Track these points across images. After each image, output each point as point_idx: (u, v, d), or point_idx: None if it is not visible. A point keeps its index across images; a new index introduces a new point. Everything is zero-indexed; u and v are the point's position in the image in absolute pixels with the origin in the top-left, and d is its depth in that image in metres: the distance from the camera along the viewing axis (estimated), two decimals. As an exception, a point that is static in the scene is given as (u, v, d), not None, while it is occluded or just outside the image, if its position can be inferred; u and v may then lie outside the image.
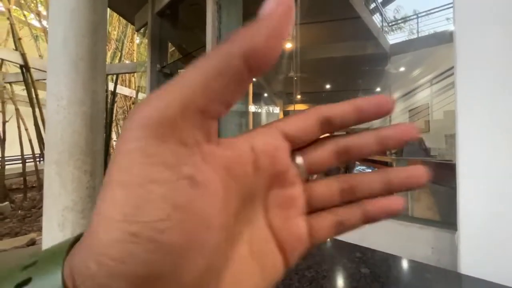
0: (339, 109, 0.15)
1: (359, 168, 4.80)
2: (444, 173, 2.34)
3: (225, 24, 1.62)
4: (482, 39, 0.60)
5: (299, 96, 9.48)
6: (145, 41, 4.22)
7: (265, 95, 9.08)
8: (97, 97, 0.99)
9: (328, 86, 8.89)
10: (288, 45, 4.86)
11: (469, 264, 0.61)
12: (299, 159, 0.16)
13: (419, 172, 0.16)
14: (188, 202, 0.11)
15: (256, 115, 9.30)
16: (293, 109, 9.20)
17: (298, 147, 0.16)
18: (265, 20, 0.12)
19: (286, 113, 10.14)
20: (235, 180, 0.13)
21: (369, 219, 0.16)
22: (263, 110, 9.91)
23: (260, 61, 0.11)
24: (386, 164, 3.54)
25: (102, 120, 1.06)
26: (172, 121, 0.11)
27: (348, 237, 0.77)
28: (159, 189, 0.10)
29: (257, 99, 8.94)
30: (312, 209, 0.16)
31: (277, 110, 10.12)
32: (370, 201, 0.16)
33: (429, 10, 7.13)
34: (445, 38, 4.92)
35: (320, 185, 0.17)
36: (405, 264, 0.65)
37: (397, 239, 0.84)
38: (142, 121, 0.11)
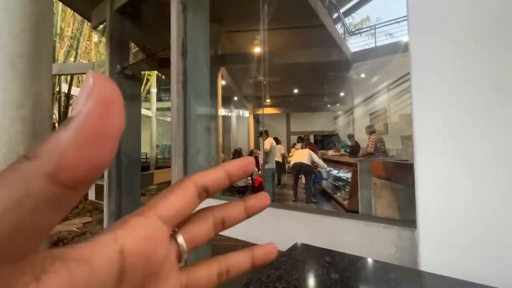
0: (214, 176, 0.15)
1: (328, 168, 5.00)
2: (402, 172, 2.54)
3: (191, 25, 1.56)
4: (434, 48, 0.65)
5: (268, 100, 9.63)
6: (104, 40, 3.93)
7: (235, 98, 9.05)
8: (40, 100, 0.87)
9: (296, 91, 9.17)
10: (257, 50, 4.91)
11: (428, 261, 0.65)
12: (180, 239, 0.15)
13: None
14: None
15: (226, 118, 9.22)
16: (262, 112, 9.30)
17: (177, 225, 0.15)
18: (78, 121, 0.09)
19: (256, 117, 10.22)
20: None
21: None
22: (233, 113, 9.86)
23: (79, 177, 0.09)
24: (351, 166, 3.73)
25: (48, 126, 0.94)
26: None
27: (317, 240, 0.77)
28: None
29: (226, 102, 8.87)
30: None
31: (247, 113, 10.15)
32: None
33: (383, 22, 7.79)
34: (400, 48, 5.39)
35: (199, 269, 0.16)
36: (371, 265, 0.66)
37: (364, 240, 0.86)
38: None
